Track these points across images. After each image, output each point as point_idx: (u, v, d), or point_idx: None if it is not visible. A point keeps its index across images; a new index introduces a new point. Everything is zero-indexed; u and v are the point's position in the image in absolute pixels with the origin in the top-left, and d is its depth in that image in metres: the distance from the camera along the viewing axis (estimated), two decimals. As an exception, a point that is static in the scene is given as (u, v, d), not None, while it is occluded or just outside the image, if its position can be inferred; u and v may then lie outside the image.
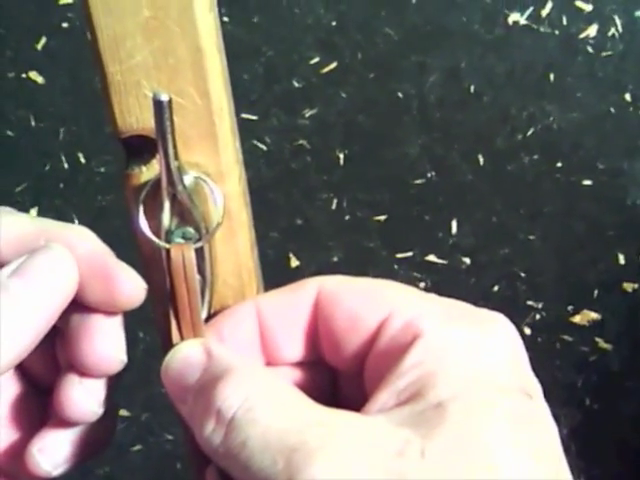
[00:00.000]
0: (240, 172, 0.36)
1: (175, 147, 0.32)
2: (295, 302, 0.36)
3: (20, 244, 0.34)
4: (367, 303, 0.34)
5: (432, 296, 0.35)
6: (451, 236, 1.14)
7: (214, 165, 0.34)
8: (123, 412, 1.10)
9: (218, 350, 0.33)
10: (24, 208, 1.09)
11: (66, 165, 1.10)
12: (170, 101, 0.30)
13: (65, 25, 1.10)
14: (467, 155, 1.14)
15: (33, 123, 1.10)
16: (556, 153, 1.15)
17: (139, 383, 0.97)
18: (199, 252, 0.35)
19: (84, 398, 0.35)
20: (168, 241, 0.35)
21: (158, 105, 0.30)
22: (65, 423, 0.36)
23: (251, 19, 1.14)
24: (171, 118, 0.31)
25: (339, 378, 0.38)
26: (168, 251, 0.35)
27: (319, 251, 1.13)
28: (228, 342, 0.36)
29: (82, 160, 1.10)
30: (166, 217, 0.35)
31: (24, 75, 1.10)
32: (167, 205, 0.34)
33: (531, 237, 1.15)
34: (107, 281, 0.34)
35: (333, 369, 0.37)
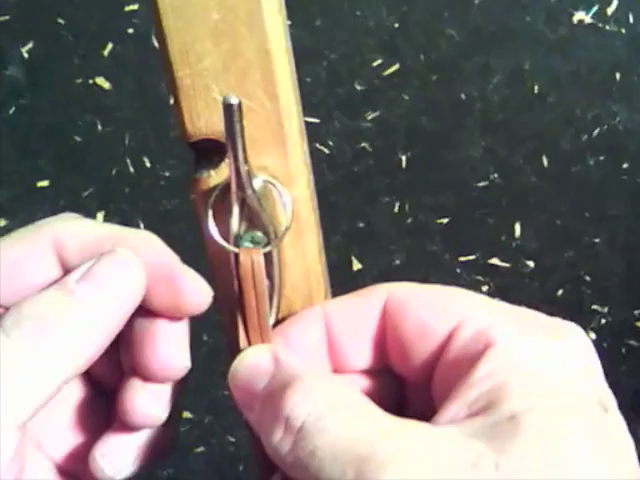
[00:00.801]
0: (308, 175, 0.36)
1: (245, 151, 0.32)
2: (363, 309, 0.36)
3: (86, 249, 0.34)
4: (437, 311, 0.34)
5: (502, 304, 0.34)
6: (514, 239, 1.13)
7: (283, 168, 0.34)
8: (186, 414, 1.11)
9: (285, 357, 0.33)
10: (91, 212, 1.10)
11: (132, 169, 1.11)
12: (240, 104, 0.30)
13: (131, 31, 1.11)
14: (531, 157, 1.13)
15: (100, 128, 1.11)
16: (622, 154, 1.13)
17: (202, 386, 0.98)
18: (267, 257, 0.35)
19: (148, 403, 0.35)
20: (237, 246, 0.35)
21: (228, 108, 0.30)
22: (128, 428, 0.36)
23: (313, 22, 1.14)
24: (241, 122, 0.31)
25: (406, 386, 0.38)
26: (237, 256, 0.35)
27: (381, 254, 1.13)
28: (295, 348, 0.35)
29: (147, 164, 1.11)
30: (235, 221, 0.35)
31: (91, 81, 1.11)
32: (236, 209, 0.34)
33: (596, 240, 1.13)
34: (172, 287, 0.34)
35: (400, 377, 0.37)
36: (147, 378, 0.35)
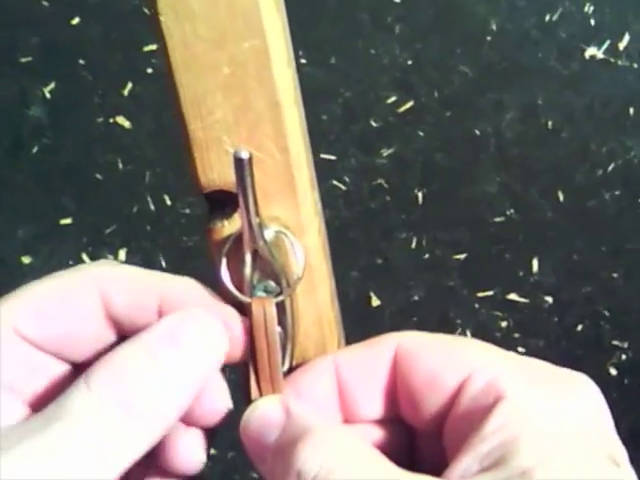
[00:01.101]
0: (320, 224, 0.36)
1: (256, 203, 0.32)
2: (373, 359, 0.36)
3: (133, 297, 0.34)
4: (447, 362, 0.34)
5: (512, 355, 0.34)
6: (532, 274, 1.13)
7: (294, 218, 0.35)
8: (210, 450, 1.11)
9: (296, 408, 0.33)
10: (113, 249, 1.12)
11: (152, 207, 1.13)
12: (250, 158, 0.31)
13: (150, 71, 1.13)
14: (547, 192, 1.14)
15: (121, 166, 1.13)
16: (638, 188, 1.13)
17: (225, 422, 0.97)
18: (280, 305, 0.36)
19: (191, 448, 0.35)
20: (250, 295, 0.35)
21: (239, 163, 0.31)
22: (170, 474, 0.36)
23: (328, 61, 1.16)
24: (252, 175, 0.31)
25: (418, 436, 0.37)
26: (249, 305, 0.35)
27: (399, 290, 1.13)
28: (306, 398, 0.35)
29: (168, 202, 1.13)
30: (248, 271, 0.35)
31: (111, 120, 1.13)
32: (249, 259, 0.35)
33: (614, 275, 1.13)
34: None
35: (412, 427, 0.36)
36: (190, 423, 0.35)
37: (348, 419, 0.37)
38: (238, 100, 0.32)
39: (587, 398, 0.32)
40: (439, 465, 0.31)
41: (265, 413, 0.34)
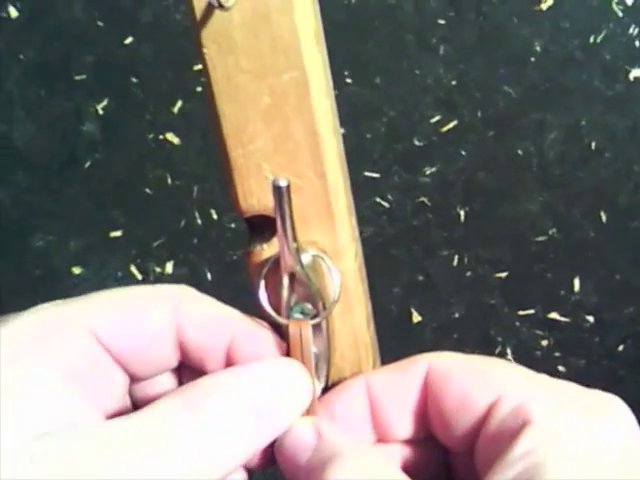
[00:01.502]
0: (356, 249, 0.37)
1: (294, 229, 0.34)
2: (405, 379, 0.36)
3: (206, 331, 0.35)
4: (477, 385, 0.34)
5: (543, 377, 0.35)
6: (574, 294, 1.13)
7: (331, 243, 0.36)
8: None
9: (328, 431, 0.34)
10: (161, 262, 1.15)
11: (199, 221, 1.15)
12: (288, 186, 0.32)
13: (199, 89, 1.16)
14: (589, 212, 1.14)
15: (169, 181, 1.15)
16: (681, 210, 1.13)
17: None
18: (317, 326, 0.37)
19: None
20: (288, 317, 0.37)
21: (277, 190, 0.32)
22: None
23: (373, 80, 1.17)
24: (289, 202, 0.32)
25: (451, 455, 0.38)
26: (287, 326, 0.36)
27: (440, 307, 1.14)
28: (339, 419, 0.36)
29: (214, 216, 1.15)
30: (285, 293, 0.36)
31: (161, 136, 1.16)
32: (286, 282, 0.36)
33: (656, 295, 1.13)
34: None
35: (444, 446, 0.37)
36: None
37: (381, 439, 0.37)
38: (278, 129, 0.34)
39: (617, 422, 0.32)
40: None
41: (298, 434, 0.34)
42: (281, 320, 0.37)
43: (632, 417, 0.32)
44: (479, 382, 0.34)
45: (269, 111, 0.33)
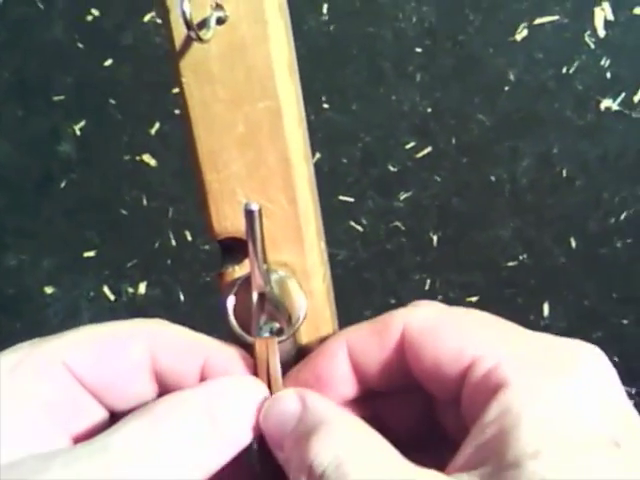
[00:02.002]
0: (325, 271, 0.39)
1: (264, 252, 0.35)
2: (382, 339, 0.36)
3: (178, 358, 0.36)
4: (449, 350, 0.34)
5: (516, 333, 0.35)
6: (543, 319, 1.15)
7: (300, 265, 0.37)
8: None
9: (313, 400, 0.34)
10: (134, 282, 1.15)
11: (174, 242, 1.16)
12: (260, 210, 0.33)
13: (177, 112, 1.16)
14: (559, 238, 1.15)
15: (145, 202, 1.16)
16: (650, 238, 1.15)
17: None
18: (285, 345, 0.38)
19: None
20: (257, 335, 0.38)
21: (249, 214, 0.33)
22: None
23: (350, 106, 1.18)
24: (261, 225, 0.34)
25: (436, 404, 0.38)
26: (254, 344, 0.37)
27: (412, 330, 1.15)
28: (324, 380, 0.37)
29: (189, 238, 1.16)
30: (255, 313, 0.37)
31: (138, 158, 1.16)
32: (255, 302, 0.37)
33: (624, 321, 1.14)
34: None
35: (430, 395, 0.37)
36: None
37: (366, 394, 0.38)
38: (252, 156, 0.35)
39: (590, 373, 0.32)
40: (460, 433, 0.32)
41: (283, 404, 0.35)
42: (248, 338, 0.38)
43: (609, 366, 0.32)
44: (452, 347, 0.34)
45: (243, 138, 0.34)
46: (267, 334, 0.38)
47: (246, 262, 0.37)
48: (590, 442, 0.29)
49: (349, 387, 0.38)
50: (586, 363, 0.32)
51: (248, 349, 0.38)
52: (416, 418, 0.37)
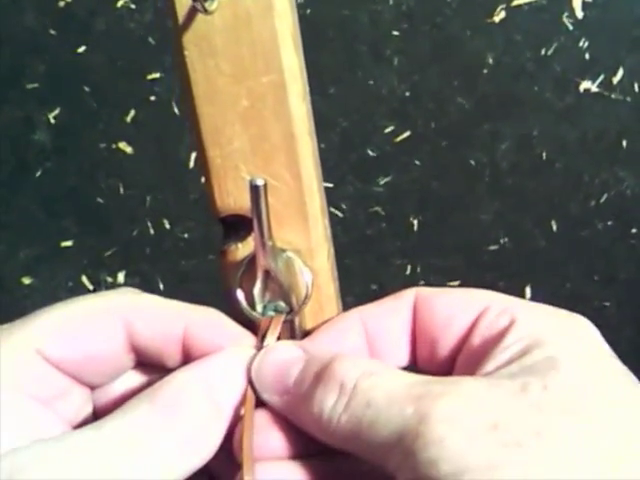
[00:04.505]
0: (329, 249, 0.38)
1: (270, 228, 0.34)
2: (396, 309, 0.37)
3: (157, 327, 0.35)
4: (463, 301, 0.36)
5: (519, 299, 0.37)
6: (525, 302, 1.15)
7: (304, 242, 0.37)
8: None
9: (312, 346, 0.35)
10: (113, 272, 1.13)
11: (152, 231, 1.14)
12: (265, 185, 0.32)
13: (153, 98, 1.15)
14: (540, 221, 1.16)
15: (122, 191, 1.14)
16: (630, 219, 1.15)
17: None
18: (290, 324, 0.37)
19: None
20: (261, 314, 0.37)
21: (254, 189, 0.32)
22: None
23: (327, 90, 1.18)
24: (266, 201, 0.33)
25: None
26: (260, 322, 0.37)
27: (395, 315, 1.15)
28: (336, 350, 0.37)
29: (167, 226, 1.14)
30: (259, 291, 0.37)
31: (114, 145, 1.15)
32: (260, 280, 0.36)
33: (606, 304, 1.15)
34: None
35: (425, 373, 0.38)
36: None
37: None
38: (255, 131, 0.34)
39: (590, 332, 0.34)
40: None
41: (283, 352, 0.35)
42: (255, 316, 0.37)
43: (598, 332, 0.34)
44: (465, 299, 0.36)
45: (247, 113, 0.34)
46: (271, 313, 0.37)
47: (249, 240, 0.37)
48: (613, 364, 0.31)
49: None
50: (585, 324, 0.34)
51: (252, 328, 0.37)
52: None
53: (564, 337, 0.32)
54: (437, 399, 0.29)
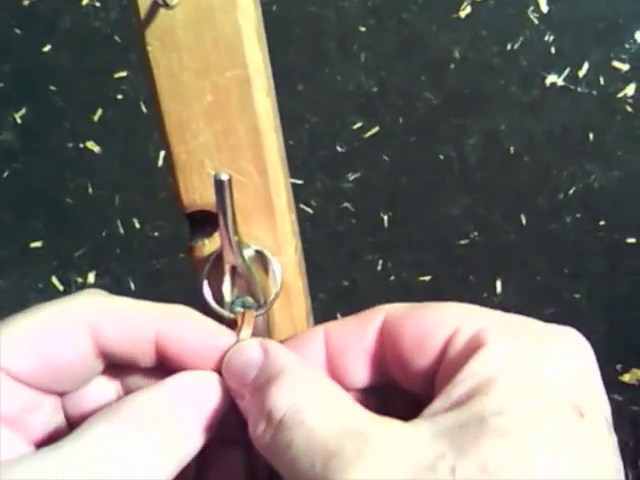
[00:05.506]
0: (296, 244, 0.37)
1: (235, 223, 0.33)
2: (362, 328, 0.36)
3: (127, 329, 0.35)
4: (433, 322, 0.34)
5: (498, 312, 0.34)
6: (496, 296, 1.16)
7: (271, 238, 0.36)
8: None
9: (275, 349, 0.34)
10: (82, 272, 1.12)
11: (122, 230, 1.14)
12: (230, 180, 0.32)
13: (120, 97, 1.14)
14: (509, 215, 1.16)
15: (90, 190, 1.14)
16: (598, 212, 1.16)
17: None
18: (258, 319, 0.37)
19: None
20: (230, 310, 0.36)
21: (219, 184, 0.32)
22: None
23: (295, 87, 1.18)
24: (231, 196, 0.32)
25: (418, 400, 0.37)
26: (229, 319, 0.36)
27: (366, 311, 1.15)
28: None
29: (137, 225, 1.14)
30: (227, 287, 0.36)
31: (82, 145, 1.14)
32: (228, 276, 0.36)
33: (576, 296, 1.15)
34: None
35: (406, 391, 0.36)
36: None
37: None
38: (220, 126, 0.34)
39: (570, 351, 0.32)
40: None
41: (245, 353, 0.34)
42: (225, 313, 0.36)
43: (588, 348, 0.32)
44: (436, 320, 0.34)
45: (212, 108, 0.33)
46: (240, 309, 0.37)
47: (216, 235, 0.36)
48: (554, 407, 0.29)
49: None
50: (569, 341, 0.32)
51: (223, 323, 0.37)
52: (391, 416, 0.36)
53: (524, 376, 0.30)
54: (344, 465, 0.28)
